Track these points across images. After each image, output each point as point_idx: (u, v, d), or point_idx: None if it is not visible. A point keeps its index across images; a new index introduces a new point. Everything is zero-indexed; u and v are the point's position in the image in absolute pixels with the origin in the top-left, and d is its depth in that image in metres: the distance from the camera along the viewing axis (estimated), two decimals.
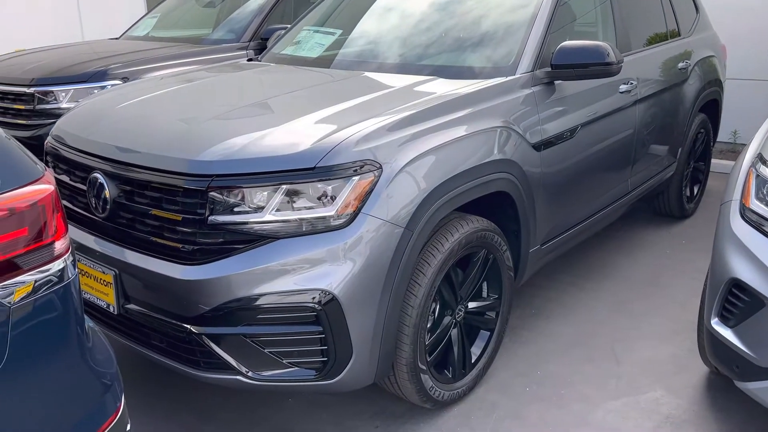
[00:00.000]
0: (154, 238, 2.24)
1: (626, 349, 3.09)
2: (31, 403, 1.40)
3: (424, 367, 2.43)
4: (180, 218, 2.17)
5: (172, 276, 2.15)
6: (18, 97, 4.42)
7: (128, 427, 1.71)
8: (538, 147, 2.82)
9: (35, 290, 1.36)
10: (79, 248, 2.44)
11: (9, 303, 1.31)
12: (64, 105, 4.31)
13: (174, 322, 2.20)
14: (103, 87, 4.34)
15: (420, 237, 2.26)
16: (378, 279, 2.18)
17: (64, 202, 2.60)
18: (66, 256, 1.45)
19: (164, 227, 2.22)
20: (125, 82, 4.32)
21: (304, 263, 2.11)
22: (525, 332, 3.22)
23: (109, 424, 1.59)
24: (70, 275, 1.46)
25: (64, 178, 2.59)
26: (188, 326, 2.17)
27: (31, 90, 4.34)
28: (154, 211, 2.23)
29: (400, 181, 2.22)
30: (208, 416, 2.60)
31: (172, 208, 2.19)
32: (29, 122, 4.34)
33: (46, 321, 1.40)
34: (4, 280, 1.30)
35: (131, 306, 2.32)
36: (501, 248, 2.69)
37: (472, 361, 2.72)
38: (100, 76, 4.40)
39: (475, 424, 2.57)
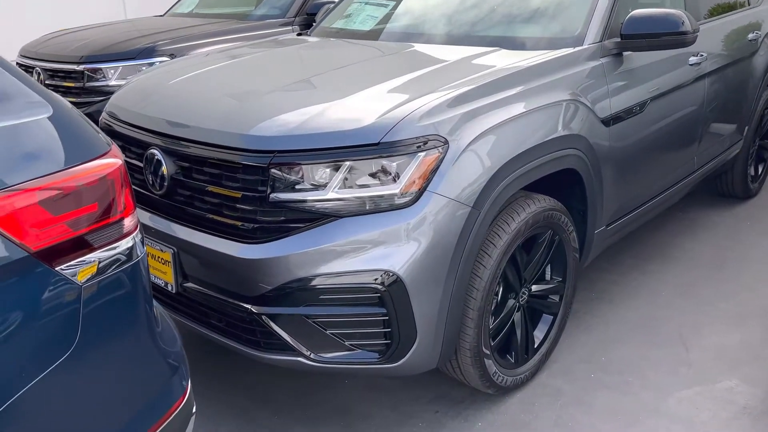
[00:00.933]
0: (212, 216, 2.19)
1: (694, 335, 2.94)
2: (100, 386, 1.36)
3: (488, 352, 2.34)
4: (239, 195, 2.10)
5: (232, 255, 2.09)
6: (68, 75, 4.42)
7: (194, 409, 1.66)
8: (607, 122, 2.67)
9: (104, 270, 1.31)
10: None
11: (80, 283, 1.26)
12: (112, 82, 4.30)
13: (233, 301, 2.15)
14: (151, 64, 4.31)
15: (487, 216, 2.16)
16: (443, 260, 2.08)
17: None
18: (135, 234, 1.40)
19: (223, 205, 2.16)
20: (172, 58, 4.29)
21: (367, 243, 2.03)
22: (587, 316, 3.10)
23: (177, 407, 1.55)
24: (138, 254, 1.41)
25: None
26: (248, 306, 2.12)
27: (81, 67, 4.34)
28: (213, 188, 2.17)
29: (466, 158, 2.12)
30: (261, 398, 2.57)
31: (231, 185, 2.12)
32: (79, 100, 4.34)
33: (116, 302, 1.35)
34: (74, 258, 1.25)
35: (190, 285, 2.28)
36: (567, 229, 2.57)
37: (535, 346, 2.62)
38: (148, 52, 4.37)
39: (539, 410, 2.48)
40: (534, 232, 2.42)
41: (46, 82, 4.53)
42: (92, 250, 1.28)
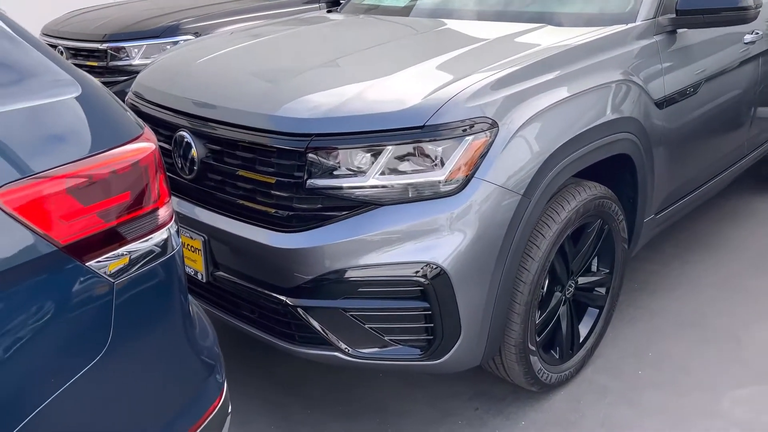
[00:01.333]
0: (245, 202, 2.07)
1: (745, 330, 2.79)
2: (135, 389, 1.25)
3: (533, 348, 2.21)
4: (274, 181, 1.99)
5: (266, 243, 1.98)
6: (90, 54, 4.32)
7: (230, 409, 1.56)
8: (660, 104, 2.50)
9: (137, 264, 1.20)
10: None
11: (112, 280, 1.15)
12: (136, 61, 4.19)
13: (267, 292, 2.04)
14: (175, 42, 4.19)
15: (537, 205, 2.02)
16: (491, 251, 1.95)
17: None
18: (170, 225, 1.28)
19: (256, 191, 2.04)
20: (197, 37, 4.16)
21: (409, 233, 1.90)
22: (630, 308, 2.96)
23: (214, 409, 1.44)
24: (174, 246, 1.29)
25: None
26: (283, 298, 2.00)
27: (104, 46, 4.23)
28: (246, 173, 2.05)
29: (516, 143, 1.97)
30: (294, 393, 2.47)
31: (265, 170, 2.01)
32: (102, 79, 4.24)
33: (150, 298, 1.24)
34: (106, 253, 1.14)
35: (221, 274, 2.17)
36: (617, 218, 2.42)
37: (580, 341, 2.49)
38: (172, 31, 4.25)
39: (585, 408, 2.35)
40: (584, 222, 2.28)
41: (69, 60, 4.43)
42: (125, 243, 1.17)
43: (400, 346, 2.01)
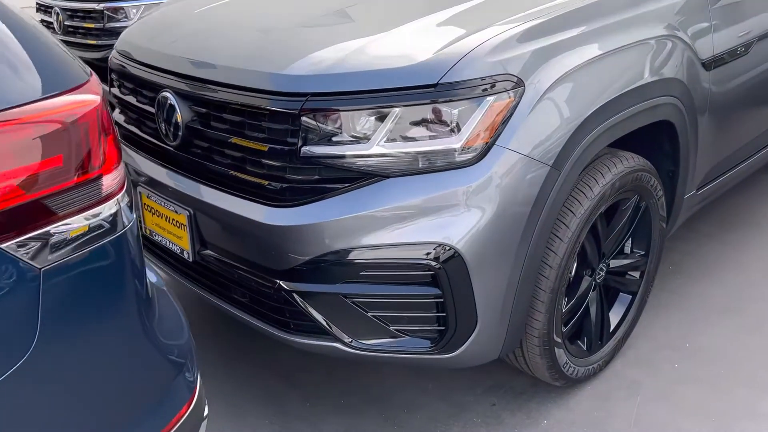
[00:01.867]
0: (234, 173, 1.83)
1: None
2: (75, 394, 1.03)
3: (559, 340, 1.97)
4: (266, 149, 1.74)
5: (257, 220, 1.74)
6: (87, 15, 4.08)
7: (206, 413, 1.34)
8: (708, 64, 2.21)
9: (73, 244, 0.96)
10: (149, 182, 2.08)
11: (39, 264, 0.92)
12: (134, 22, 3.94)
13: (259, 274, 1.81)
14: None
15: (568, 178, 1.76)
16: (513, 231, 1.70)
17: (132, 129, 2.22)
18: (119, 197, 1.04)
19: (247, 160, 1.80)
20: None
21: (419, 209, 1.65)
22: (663, 293, 2.69)
23: (183, 414, 1.22)
24: (125, 222, 1.06)
25: (131, 99, 2.20)
26: (276, 281, 1.77)
27: (101, 6, 3.98)
28: (235, 140, 1.81)
29: (545, 105, 1.71)
30: (293, 381, 2.25)
31: (255, 136, 1.76)
32: (99, 42, 4.01)
33: (93, 286, 1.01)
34: (29, 232, 0.91)
35: (208, 253, 1.94)
36: (656, 193, 2.14)
37: (610, 330, 2.24)
38: None
39: (614, 407, 2.11)
40: (619, 198, 2.01)
41: (65, 23, 4.20)
42: (55, 219, 0.94)
43: (408, 338, 1.77)
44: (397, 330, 1.76)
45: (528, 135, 1.67)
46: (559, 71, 1.74)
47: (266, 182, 1.76)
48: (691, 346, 2.39)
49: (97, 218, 1.00)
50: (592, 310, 2.14)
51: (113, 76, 2.32)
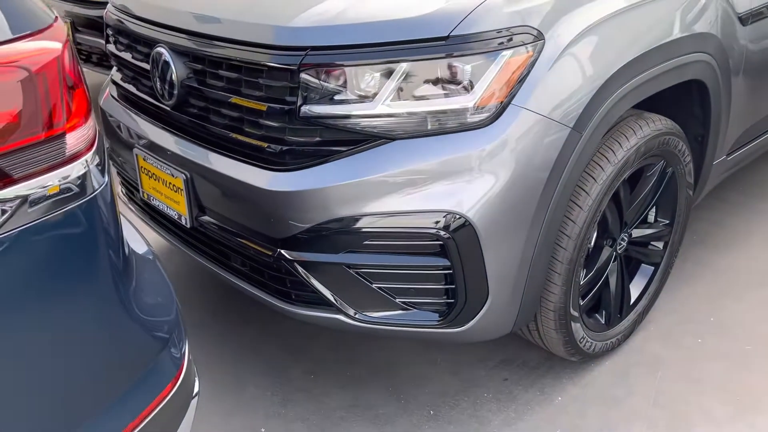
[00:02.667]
0: (232, 134, 1.72)
1: None
2: (40, 372, 0.94)
3: (576, 314, 1.86)
4: (265, 108, 1.62)
5: (255, 184, 1.64)
6: None
7: (196, 390, 1.26)
8: (745, 19, 2.03)
9: (36, 211, 0.86)
10: (145, 144, 1.98)
11: None
12: None
13: (258, 242, 1.72)
14: None
15: (591, 141, 1.62)
16: (530, 198, 1.58)
17: (129, 87, 2.11)
18: (87, 157, 0.94)
19: (245, 120, 1.69)
20: None
21: (428, 174, 1.53)
22: (688, 264, 2.55)
23: (167, 394, 1.13)
24: (95, 185, 0.95)
25: (127, 55, 2.08)
26: (276, 249, 1.67)
27: None
28: (232, 99, 1.69)
29: (565, 62, 1.56)
30: (298, 351, 2.17)
31: (253, 95, 1.64)
32: None
33: (57, 255, 0.91)
34: None
35: (206, 218, 1.85)
36: (684, 159, 2.00)
37: (630, 303, 2.12)
38: None
39: (634, 383, 2.00)
40: (644, 163, 1.87)
41: None
42: (11, 182, 0.83)
43: (415, 310, 1.67)
44: (403, 302, 1.66)
45: (547, 94, 1.54)
46: (582, 24, 1.59)
47: (265, 144, 1.65)
48: (716, 320, 2.27)
49: (65, 181, 0.90)
50: (612, 282, 2.02)
51: (109, 31, 2.21)
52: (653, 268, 2.17)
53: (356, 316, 1.69)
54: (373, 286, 1.65)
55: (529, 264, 1.64)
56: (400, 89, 1.51)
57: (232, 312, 2.35)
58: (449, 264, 1.58)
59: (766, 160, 3.31)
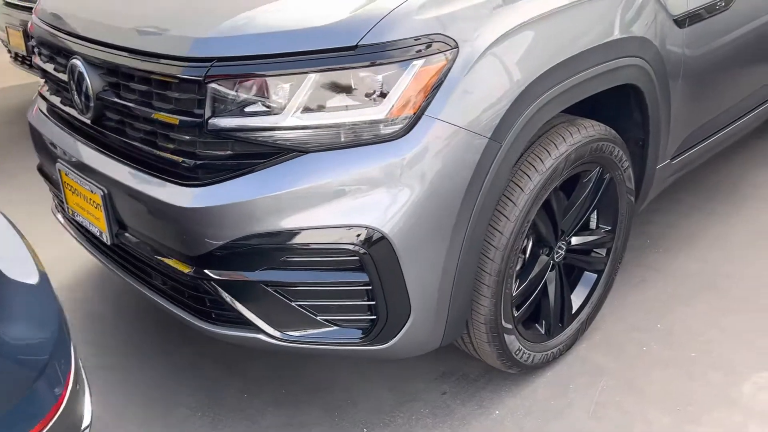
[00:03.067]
0: (147, 149, 1.66)
1: None
2: None
3: (509, 326, 1.81)
4: (176, 121, 1.56)
5: (167, 201, 1.58)
6: None
7: (85, 424, 1.19)
8: (681, 21, 2.00)
9: None
10: (67, 159, 1.91)
11: None
12: None
13: (175, 259, 1.66)
14: None
15: (512, 151, 1.57)
16: (448, 211, 1.53)
17: (53, 100, 2.05)
18: None
19: (157, 134, 1.63)
20: None
21: (342, 188, 1.48)
22: (638, 269, 2.52)
23: (45, 426, 1.07)
24: None
25: (50, 67, 2.01)
26: (193, 266, 1.62)
27: None
28: (144, 112, 1.63)
29: (483, 68, 1.51)
30: (234, 370, 2.11)
31: (164, 107, 1.58)
32: None
33: None
34: None
35: (127, 235, 1.78)
36: (622, 165, 1.96)
37: (572, 312, 2.08)
38: None
39: (574, 395, 1.96)
40: (577, 171, 1.83)
41: None
42: None
43: (337, 328, 1.62)
44: (325, 320, 1.61)
45: (463, 103, 1.49)
46: (498, 30, 1.54)
47: (179, 159, 1.59)
48: (664, 327, 2.23)
49: None
50: (551, 291, 1.98)
51: (32, 43, 2.14)
52: (596, 275, 2.13)
53: (277, 335, 1.63)
54: (293, 304, 1.59)
55: (453, 277, 1.59)
56: (310, 100, 1.46)
57: (166, 330, 2.28)
58: (368, 280, 1.53)
59: (721, 161, 3.29)
